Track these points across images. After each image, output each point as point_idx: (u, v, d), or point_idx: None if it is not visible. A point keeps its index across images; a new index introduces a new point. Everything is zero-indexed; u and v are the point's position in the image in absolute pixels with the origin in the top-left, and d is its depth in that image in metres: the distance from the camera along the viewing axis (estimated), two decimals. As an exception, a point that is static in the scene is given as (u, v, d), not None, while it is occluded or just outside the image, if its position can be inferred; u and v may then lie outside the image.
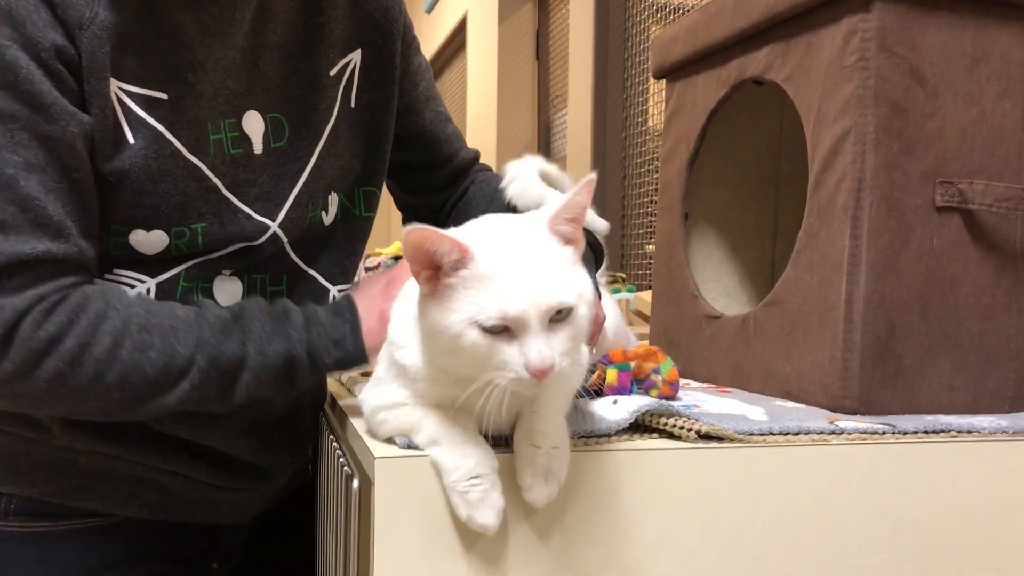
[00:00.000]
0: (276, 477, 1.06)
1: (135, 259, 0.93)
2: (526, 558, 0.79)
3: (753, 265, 1.44)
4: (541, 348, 0.69)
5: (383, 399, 0.81)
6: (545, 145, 4.12)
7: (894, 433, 0.89)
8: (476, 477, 0.74)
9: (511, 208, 1.06)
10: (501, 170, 1.11)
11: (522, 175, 1.07)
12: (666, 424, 0.85)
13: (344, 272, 1.08)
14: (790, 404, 1.02)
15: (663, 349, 1.36)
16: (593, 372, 1.02)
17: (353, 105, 1.07)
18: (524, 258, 0.72)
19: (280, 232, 1.00)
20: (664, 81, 1.43)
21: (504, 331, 0.70)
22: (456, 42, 5.31)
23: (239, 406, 0.90)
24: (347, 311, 0.92)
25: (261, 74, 0.99)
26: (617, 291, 2.09)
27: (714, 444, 0.84)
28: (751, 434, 0.86)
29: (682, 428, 0.85)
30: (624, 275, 2.51)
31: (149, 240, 0.93)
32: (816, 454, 0.86)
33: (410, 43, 1.14)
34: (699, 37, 1.28)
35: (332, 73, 1.05)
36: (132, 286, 0.94)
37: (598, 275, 1.08)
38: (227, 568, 1.10)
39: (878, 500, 0.87)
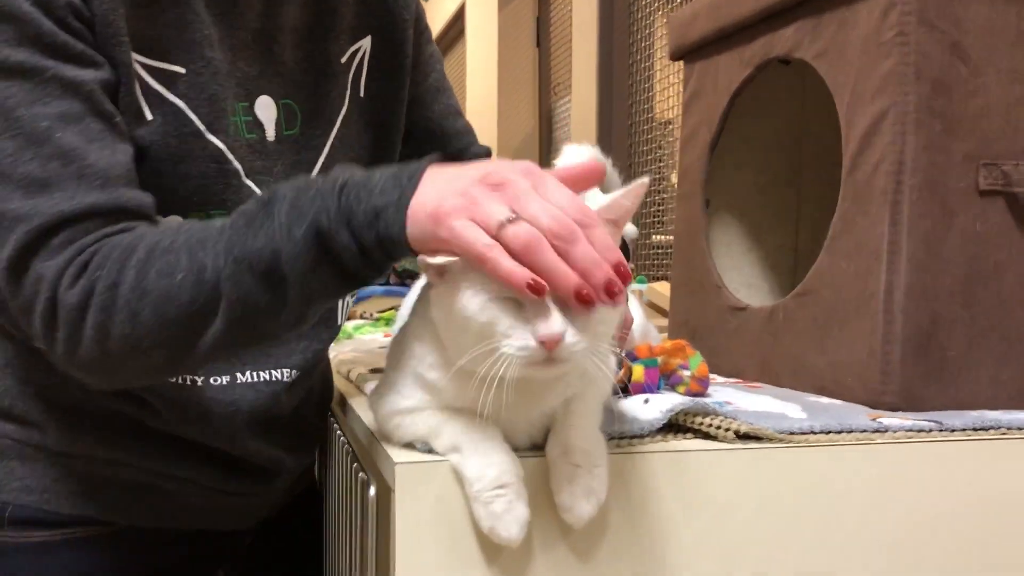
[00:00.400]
0: (282, 479, 1.00)
1: None
2: (554, 570, 0.74)
3: (775, 253, 1.39)
4: (549, 314, 0.64)
5: (398, 404, 0.75)
6: (547, 134, 4.07)
7: (941, 431, 0.84)
8: (501, 487, 0.68)
9: None
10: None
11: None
12: (702, 424, 0.80)
13: None
14: (825, 400, 0.97)
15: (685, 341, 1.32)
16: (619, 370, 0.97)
17: (362, 95, 1.02)
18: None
19: None
20: (679, 64, 1.37)
21: (516, 302, 0.64)
22: (455, 29, 5.25)
23: (301, 314, 0.74)
24: (406, 178, 0.69)
25: (274, 58, 0.94)
26: (642, 280, 2.04)
27: (753, 444, 0.79)
28: (792, 433, 0.81)
29: (719, 428, 0.79)
30: (633, 265, 2.46)
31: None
32: (860, 453, 0.81)
33: (422, 31, 1.09)
34: (722, 14, 1.22)
35: (343, 60, 1.00)
36: None
37: None
38: (232, 573, 1.05)
39: (926, 501, 0.82)
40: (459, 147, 1.13)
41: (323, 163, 0.98)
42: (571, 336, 0.64)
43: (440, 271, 0.67)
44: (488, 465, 0.69)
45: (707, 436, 0.80)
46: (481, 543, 0.72)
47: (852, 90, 0.99)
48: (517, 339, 0.64)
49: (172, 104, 0.86)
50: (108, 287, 0.73)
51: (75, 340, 0.73)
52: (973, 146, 0.93)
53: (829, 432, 0.82)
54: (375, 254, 0.69)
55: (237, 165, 0.90)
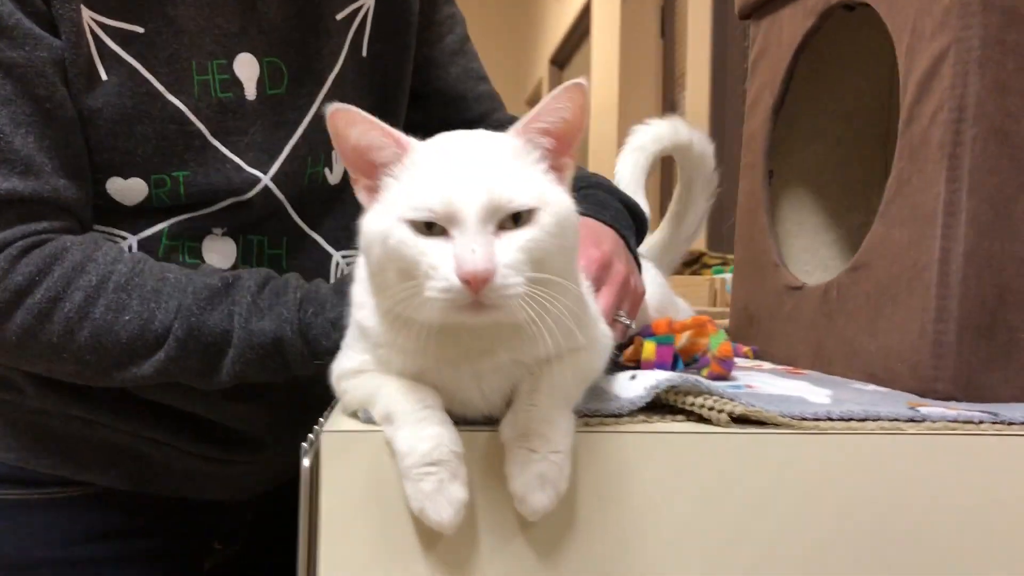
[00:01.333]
0: (272, 450, 0.95)
1: (115, 211, 0.86)
2: (506, 560, 0.65)
3: (858, 232, 1.23)
4: (475, 247, 0.55)
5: (345, 365, 0.69)
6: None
7: (994, 423, 0.70)
8: (432, 464, 0.60)
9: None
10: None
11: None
12: (693, 404, 0.69)
13: (350, 237, 0.96)
14: (870, 387, 0.84)
15: (742, 327, 1.20)
16: (629, 345, 0.87)
17: (364, 54, 0.97)
18: (472, 152, 0.60)
19: (273, 187, 0.90)
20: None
21: (441, 231, 0.57)
22: (580, 28, 5.17)
23: (225, 384, 0.81)
24: (343, 295, 0.78)
25: (258, 14, 0.90)
26: (719, 271, 1.91)
27: (753, 429, 0.68)
28: (803, 419, 0.69)
29: (711, 409, 0.68)
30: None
31: (127, 190, 0.85)
32: (885, 445, 0.68)
33: None
34: (784, -39, 1.09)
35: (339, 17, 0.95)
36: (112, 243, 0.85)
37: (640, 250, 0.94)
38: (231, 548, 1.02)
39: (967, 504, 0.68)
40: (479, 112, 1.06)
41: (309, 123, 0.93)
42: (504, 275, 0.56)
43: (370, 197, 0.62)
44: (421, 439, 0.61)
45: (701, 419, 0.69)
46: (418, 527, 0.64)
47: (912, 30, 0.85)
48: (440, 279, 0.56)
49: (128, 64, 0.83)
50: (50, 299, 0.77)
51: None
52: (1056, 88, 0.78)
53: (849, 419, 0.69)
54: (324, 357, 0.75)
55: (200, 126, 0.87)
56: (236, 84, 0.88)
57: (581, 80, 0.60)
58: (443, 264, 0.56)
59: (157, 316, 0.78)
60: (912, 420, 0.69)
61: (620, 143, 4.19)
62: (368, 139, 0.60)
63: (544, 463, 0.61)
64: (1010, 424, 0.70)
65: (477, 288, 0.55)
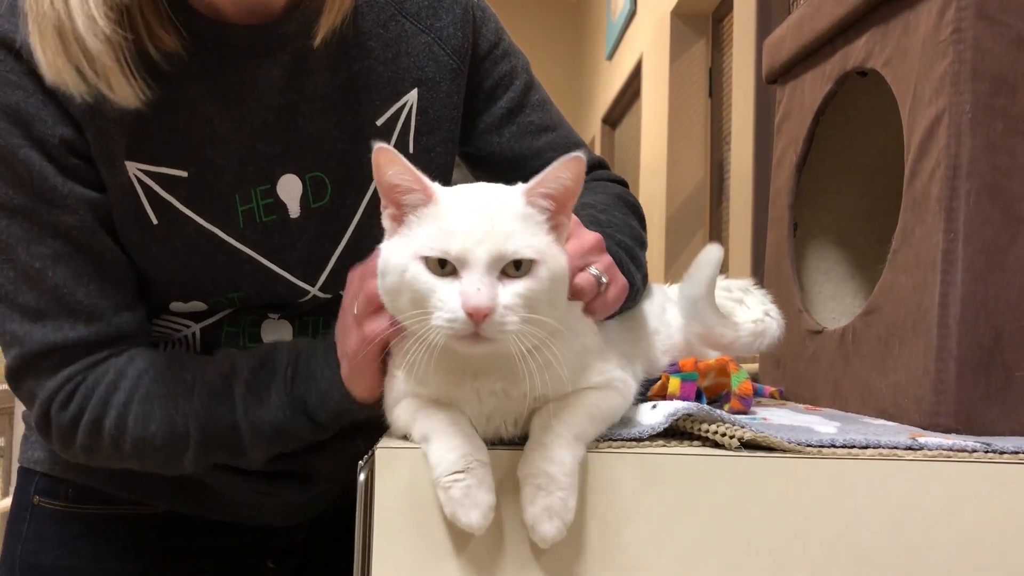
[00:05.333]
0: (322, 484, 1.03)
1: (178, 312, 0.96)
2: (530, 566, 0.73)
3: (882, 283, 1.30)
4: (480, 287, 0.65)
5: (390, 393, 0.78)
6: (717, 185, 4.00)
7: (987, 452, 0.76)
8: (459, 472, 0.69)
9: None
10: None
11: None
12: (707, 431, 0.77)
13: None
14: (878, 422, 0.90)
15: (770, 371, 1.27)
16: (656, 381, 0.95)
17: (412, 151, 0.97)
18: (486, 206, 0.70)
19: (321, 295, 0.97)
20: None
21: (452, 271, 0.67)
22: (631, 89, 5.30)
23: (263, 461, 0.90)
24: (332, 353, 0.83)
25: (299, 132, 0.92)
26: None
27: (760, 454, 0.75)
28: (809, 445, 0.76)
29: (724, 435, 0.76)
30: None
31: (188, 308, 0.94)
32: (885, 471, 0.74)
33: (486, 53, 1.01)
34: (804, 31, 1.19)
35: (380, 123, 0.95)
36: (177, 331, 0.96)
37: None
38: (285, 567, 1.09)
39: (962, 527, 0.74)
40: (541, 164, 1.08)
41: (353, 232, 0.95)
42: (502, 313, 0.65)
43: (396, 223, 0.71)
44: (448, 450, 0.70)
45: (716, 445, 0.77)
46: (453, 534, 0.72)
47: (913, 95, 0.93)
48: (446, 311, 0.66)
49: (174, 207, 0.89)
50: (94, 420, 0.87)
51: (65, 446, 0.89)
52: (1045, 147, 0.86)
53: (852, 447, 0.76)
54: (332, 423, 0.86)
55: (250, 252, 0.92)
56: (280, 206, 0.92)
57: (579, 154, 0.70)
58: (450, 299, 0.66)
59: (177, 421, 0.86)
60: (910, 448, 0.76)
61: (669, 200, 4.23)
62: (400, 180, 0.70)
63: (550, 498, 0.69)
64: (1002, 453, 0.76)
65: (478, 321, 0.65)
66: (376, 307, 0.75)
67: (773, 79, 1.32)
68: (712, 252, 0.99)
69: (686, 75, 4.23)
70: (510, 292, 0.67)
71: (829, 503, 0.74)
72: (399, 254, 0.69)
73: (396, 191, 0.71)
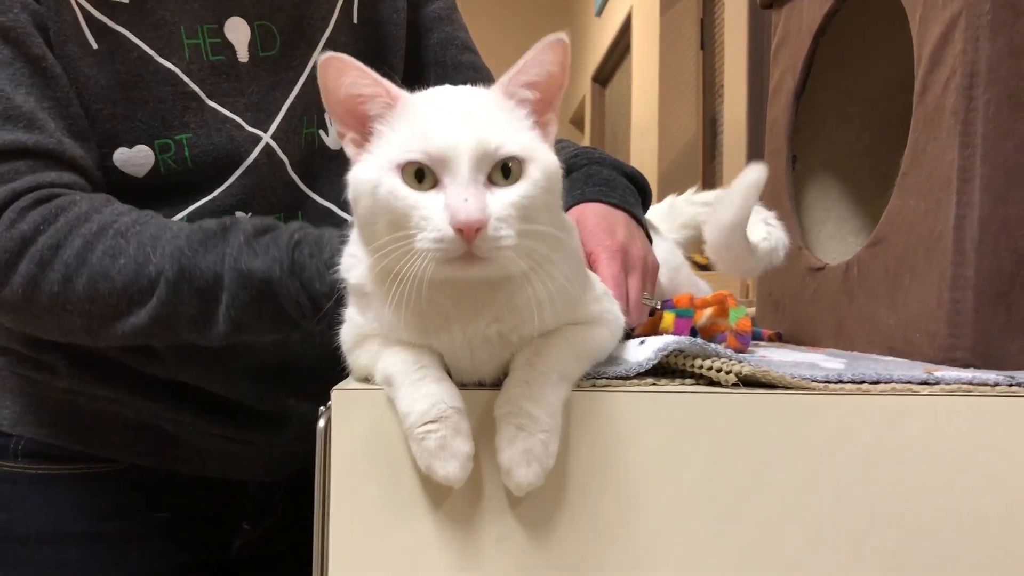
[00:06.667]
0: (293, 431, 0.97)
1: (130, 193, 0.87)
2: (512, 515, 0.65)
3: (885, 220, 1.22)
4: (468, 197, 0.56)
5: (348, 333, 0.70)
6: (710, 139, 3.91)
7: (1011, 385, 0.69)
8: (433, 421, 0.61)
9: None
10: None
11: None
12: (700, 367, 0.69)
13: None
14: (888, 359, 0.83)
15: (768, 313, 1.19)
16: (652, 315, 0.87)
17: (356, 20, 0.99)
18: (462, 103, 0.62)
19: (275, 145, 0.92)
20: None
21: (432, 184, 0.58)
22: (621, 45, 5.18)
23: (224, 335, 0.80)
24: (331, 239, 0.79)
25: None
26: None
27: (760, 391, 0.68)
28: (814, 381, 0.68)
29: (719, 371, 0.68)
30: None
31: (134, 158, 0.87)
32: (898, 407, 0.67)
33: None
34: (802, -54, 1.10)
35: None
36: None
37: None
38: (261, 528, 1.03)
39: (983, 467, 0.67)
40: (460, 81, 1.05)
41: (304, 83, 0.94)
42: (495, 226, 0.57)
43: (359, 149, 0.62)
44: (418, 398, 0.62)
45: (711, 383, 0.69)
46: (423, 483, 0.65)
47: (924, 1, 0.85)
48: (432, 230, 0.57)
49: (116, 31, 0.85)
50: (51, 246, 0.78)
51: (1, 282, 0.78)
52: (1072, 52, 0.77)
53: (861, 382, 0.69)
54: (323, 300, 0.76)
55: (195, 87, 0.89)
56: (227, 47, 0.90)
57: (562, 36, 0.61)
58: (435, 215, 0.57)
59: (152, 259, 0.78)
60: (926, 383, 0.69)
61: (661, 156, 4.17)
62: (359, 88, 0.61)
63: (530, 440, 0.61)
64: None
65: (470, 238, 0.56)
66: None
67: (769, 3, 1.23)
68: (753, 173, 0.91)
69: (677, 28, 4.13)
70: (502, 202, 0.58)
71: (837, 444, 0.67)
72: (369, 170, 0.60)
73: (357, 103, 0.62)
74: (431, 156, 0.58)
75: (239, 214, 0.91)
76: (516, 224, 0.58)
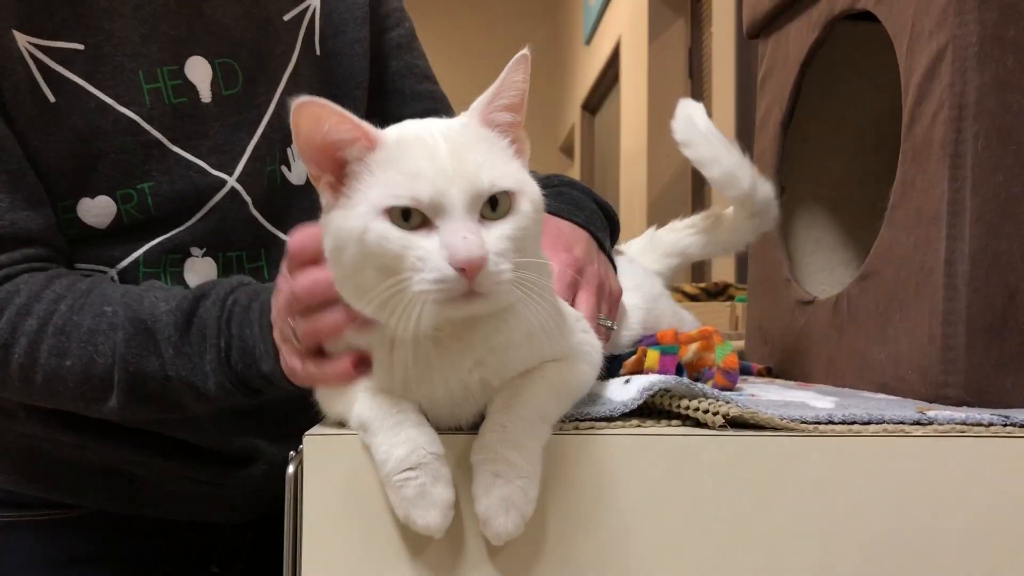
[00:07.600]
0: (259, 467, 0.94)
1: (92, 241, 0.85)
2: (493, 563, 0.63)
3: (875, 251, 1.21)
4: (467, 234, 0.54)
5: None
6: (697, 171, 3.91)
7: (1005, 425, 0.67)
8: (412, 468, 0.58)
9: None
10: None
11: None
12: (687, 408, 0.67)
13: None
14: (879, 397, 0.81)
15: (757, 346, 1.17)
16: (631, 355, 0.85)
17: (318, 52, 0.97)
18: (445, 138, 0.59)
19: (240, 188, 0.90)
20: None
21: (420, 222, 0.56)
22: (611, 73, 5.20)
23: (203, 413, 0.80)
24: (267, 320, 0.74)
25: (205, 18, 0.89)
26: (743, 300, 1.88)
27: (749, 433, 0.66)
28: (803, 422, 0.66)
29: (706, 412, 0.66)
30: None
31: (96, 209, 0.85)
32: (890, 449, 0.65)
33: None
34: (787, -23, 1.09)
35: (287, 18, 0.95)
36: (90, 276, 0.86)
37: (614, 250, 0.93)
38: (231, 571, 0.99)
39: (976, 510, 0.64)
40: (419, 110, 1.04)
41: (268, 122, 0.92)
42: (495, 262, 0.55)
43: (336, 192, 0.59)
44: (396, 444, 0.59)
45: (697, 424, 0.67)
46: (402, 532, 0.62)
47: (911, 30, 0.84)
48: (430, 271, 0.55)
49: (72, 82, 0.83)
50: (2, 346, 0.77)
51: None
52: (1060, 84, 0.76)
53: (852, 423, 0.67)
54: (276, 371, 0.73)
55: (157, 134, 0.86)
56: (190, 88, 0.88)
57: (525, 51, 0.60)
58: (432, 255, 0.55)
59: (97, 361, 0.77)
60: (918, 423, 0.67)
61: (650, 185, 4.18)
62: (338, 135, 0.58)
63: (508, 487, 0.59)
64: (1020, 427, 0.67)
65: (472, 275, 0.54)
66: (320, 296, 0.63)
67: (755, 33, 1.22)
68: (685, 108, 1.04)
69: (665, 56, 4.14)
70: (497, 236, 0.56)
71: (827, 487, 0.65)
72: (352, 217, 0.57)
73: (336, 149, 0.59)
74: (423, 203, 0.56)
75: (193, 250, 0.89)
76: (512, 257, 0.57)
